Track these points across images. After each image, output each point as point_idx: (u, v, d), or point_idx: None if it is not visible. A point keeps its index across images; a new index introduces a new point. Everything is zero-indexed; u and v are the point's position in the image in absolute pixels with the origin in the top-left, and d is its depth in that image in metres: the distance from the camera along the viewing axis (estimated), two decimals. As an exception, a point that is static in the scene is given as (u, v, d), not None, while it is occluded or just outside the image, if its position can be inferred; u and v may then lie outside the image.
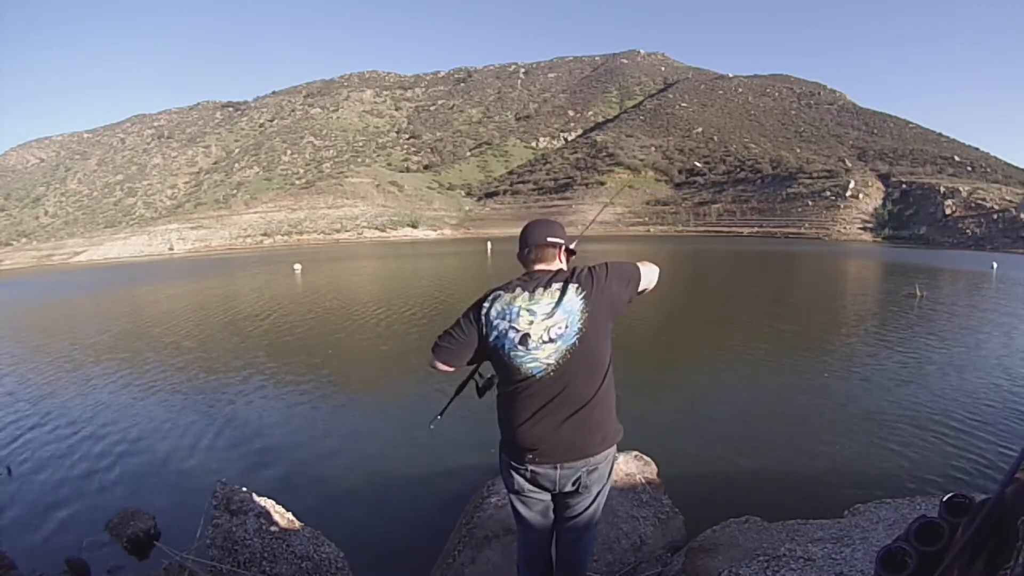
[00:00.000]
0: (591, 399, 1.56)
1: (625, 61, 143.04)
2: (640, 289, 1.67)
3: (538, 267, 1.68)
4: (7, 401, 7.43)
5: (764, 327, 10.84)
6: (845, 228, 53.43)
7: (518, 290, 1.60)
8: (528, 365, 1.55)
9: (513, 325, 1.55)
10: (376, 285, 21.38)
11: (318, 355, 9.42)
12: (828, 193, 58.42)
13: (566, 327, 1.53)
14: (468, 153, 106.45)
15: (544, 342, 1.53)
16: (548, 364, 1.53)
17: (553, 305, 1.54)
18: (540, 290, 1.57)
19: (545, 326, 1.53)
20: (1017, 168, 63.18)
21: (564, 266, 1.73)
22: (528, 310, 1.55)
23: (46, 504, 4.54)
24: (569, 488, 1.65)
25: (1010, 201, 46.92)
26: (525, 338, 1.54)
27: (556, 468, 1.61)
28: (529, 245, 1.69)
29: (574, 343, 1.53)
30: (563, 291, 1.56)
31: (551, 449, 1.59)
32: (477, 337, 1.62)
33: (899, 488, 4.12)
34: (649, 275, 1.70)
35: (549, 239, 1.68)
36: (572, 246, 1.79)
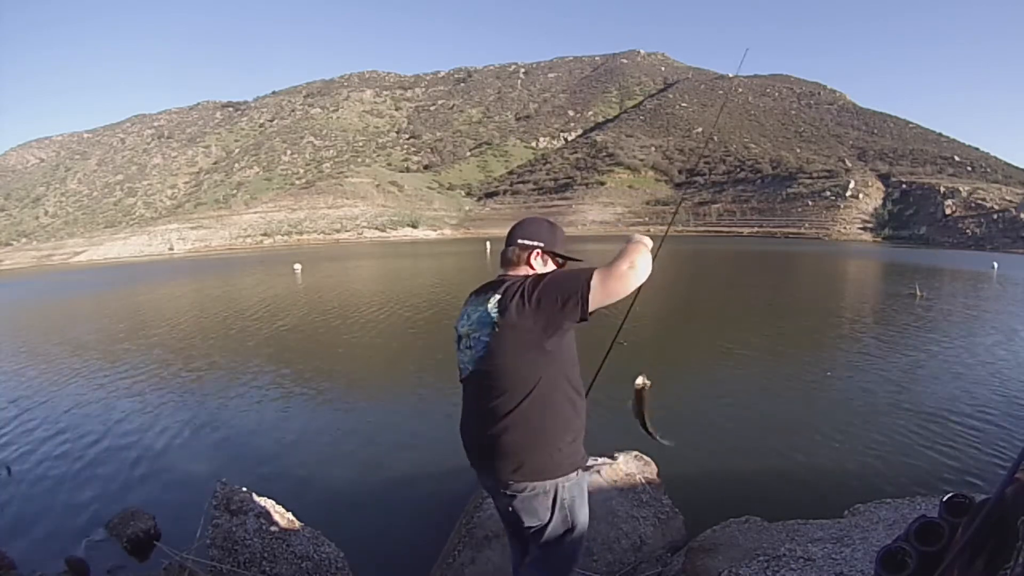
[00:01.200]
0: (500, 420, 1.46)
1: (625, 61, 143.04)
2: (603, 302, 1.36)
3: (508, 271, 1.58)
4: (6, 401, 7.43)
5: (764, 327, 10.84)
6: (845, 228, 53.46)
7: (471, 295, 1.61)
8: (461, 364, 1.58)
9: (457, 325, 1.60)
10: (376, 285, 21.39)
11: (318, 355, 9.43)
12: (828, 193, 58.47)
13: (478, 338, 1.49)
14: (468, 153, 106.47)
15: (466, 347, 1.53)
16: (468, 369, 1.54)
17: (475, 312, 1.52)
18: (483, 295, 1.54)
19: (467, 331, 1.53)
20: (1017, 168, 63.21)
21: (540, 271, 1.56)
22: (467, 313, 1.57)
23: (46, 504, 4.54)
24: (506, 506, 1.58)
25: (1010, 201, 46.96)
26: (459, 339, 1.57)
27: (490, 478, 1.56)
28: (506, 246, 1.62)
29: (482, 355, 1.48)
30: (487, 301, 1.48)
31: (476, 455, 1.59)
32: None
33: (899, 488, 4.12)
34: (615, 284, 1.34)
35: (519, 241, 1.57)
36: (562, 250, 1.60)
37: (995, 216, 45.76)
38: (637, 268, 1.35)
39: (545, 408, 1.47)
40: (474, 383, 1.53)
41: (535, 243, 1.56)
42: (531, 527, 1.57)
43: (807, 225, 55.72)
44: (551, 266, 1.59)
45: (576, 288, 1.35)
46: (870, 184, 58.78)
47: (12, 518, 4.32)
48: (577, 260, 1.59)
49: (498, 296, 1.46)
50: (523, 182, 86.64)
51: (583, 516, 1.60)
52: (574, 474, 1.54)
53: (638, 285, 1.37)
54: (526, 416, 1.45)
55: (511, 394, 1.45)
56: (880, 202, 56.56)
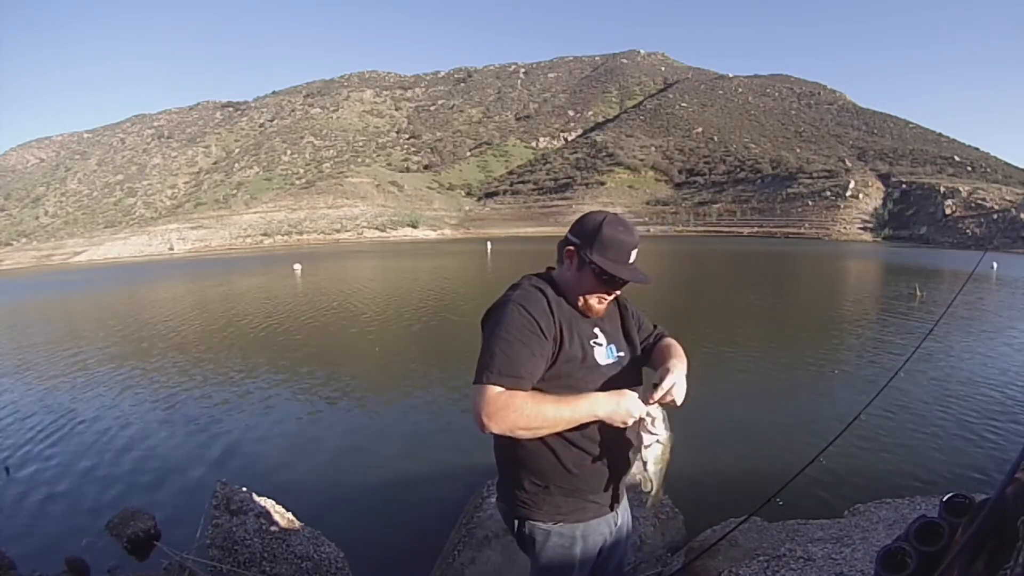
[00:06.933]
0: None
1: (625, 61, 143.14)
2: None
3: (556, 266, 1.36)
4: (7, 401, 7.43)
5: (764, 327, 10.84)
6: (845, 228, 53.49)
7: None
8: None
9: None
10: (376, 285, 21.36)
11: (318, 356, 9.42)
12: (828, 193, 58.53)
13: None
14: (468, 153, 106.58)
15: None
16: None
17: None
18: None
19: None
20: (1017, 168, 63.30)
21: (565, 274, 1.30)
22: None
23: (46, 504, 4.53)
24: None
25: (1010, 201, 47.02)
26: None
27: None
28: None
29: None
30: None
31: None
32: None
33: (899, 488, 4.11)
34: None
35: (567, 234, 1.30)
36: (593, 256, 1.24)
37: (995, 216, 45.78)
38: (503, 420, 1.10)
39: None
40: None
41: (572, 239, 1.27)
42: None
43: (807, 225, 55.76)
44: (587, 276, 1.26)
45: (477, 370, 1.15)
46: (870, 184, 58.83)
47: (12, 518, 4.32)
48: (625, 281, 1.27)
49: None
50: (523, 182, 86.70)
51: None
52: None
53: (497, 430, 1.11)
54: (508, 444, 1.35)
55: None
56: (880, 202, 56.62)
